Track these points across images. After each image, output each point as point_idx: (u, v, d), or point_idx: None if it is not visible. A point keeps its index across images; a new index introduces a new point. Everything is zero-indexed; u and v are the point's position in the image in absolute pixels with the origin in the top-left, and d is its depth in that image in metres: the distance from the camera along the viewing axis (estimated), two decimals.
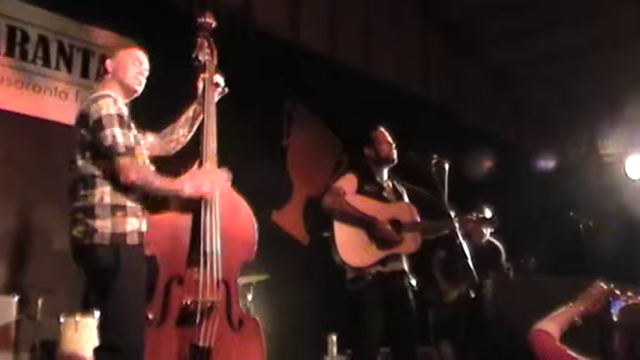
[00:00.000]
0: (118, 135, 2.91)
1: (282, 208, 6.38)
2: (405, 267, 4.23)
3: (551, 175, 8.17)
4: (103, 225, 2.89)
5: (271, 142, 6.35)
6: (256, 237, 3.38)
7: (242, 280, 4.62)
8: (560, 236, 5.61)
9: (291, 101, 6.55)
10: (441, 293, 5.70)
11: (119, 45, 3.33)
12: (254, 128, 5.81)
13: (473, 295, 4.71)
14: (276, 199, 6.31)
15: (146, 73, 3.20)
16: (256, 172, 5.38)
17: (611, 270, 3.51)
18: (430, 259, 5.77)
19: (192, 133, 3.42)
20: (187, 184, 3.08)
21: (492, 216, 4.54)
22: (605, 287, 2.76)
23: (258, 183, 5.06)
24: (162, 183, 3.02)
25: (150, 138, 3.35)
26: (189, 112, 3.43)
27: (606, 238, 5.94)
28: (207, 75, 3.40)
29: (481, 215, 4.35)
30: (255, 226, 3.39)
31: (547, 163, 8.36)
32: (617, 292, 2.76)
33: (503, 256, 5.72)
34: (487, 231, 5.50)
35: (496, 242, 5.76)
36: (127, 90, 3.17)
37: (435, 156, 4.05)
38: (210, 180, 3.16)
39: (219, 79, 3.44)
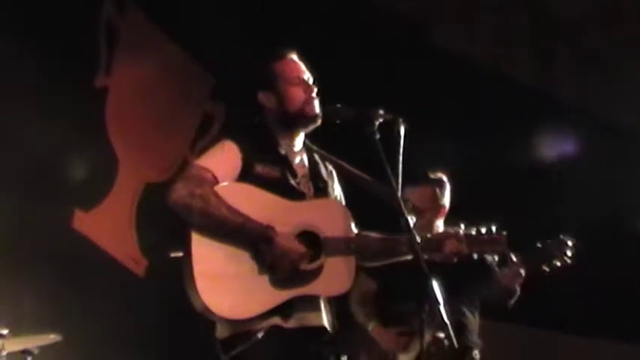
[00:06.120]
0: None
1: (95, 206, 5.69)
2: (326, 321, 3.78)
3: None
4: None
5: (75, 82, 5.54)
6: None
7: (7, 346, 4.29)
8: (622, 263, 5.28)
9: (115, 4, 5.80)
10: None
11: None
12: (45, 58, 5.18)
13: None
14: (81, 186, 5.57)
15: None
16: (44, 136, 5.04)
17: None
18: None
19: None
20: None
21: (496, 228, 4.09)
22: None
23: (46, 157, 5.10)
24: None
25: None
26: None
27: None
28: None
29: (486, 230, 3.96)
30: None
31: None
32: None
33: (495, 270, 5.39)
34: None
35: None
36: None
37: (381, 112, 3.67)
38: None
39: None
